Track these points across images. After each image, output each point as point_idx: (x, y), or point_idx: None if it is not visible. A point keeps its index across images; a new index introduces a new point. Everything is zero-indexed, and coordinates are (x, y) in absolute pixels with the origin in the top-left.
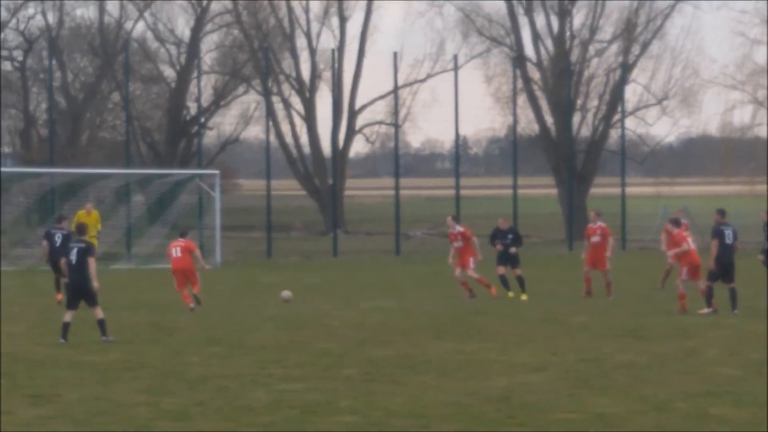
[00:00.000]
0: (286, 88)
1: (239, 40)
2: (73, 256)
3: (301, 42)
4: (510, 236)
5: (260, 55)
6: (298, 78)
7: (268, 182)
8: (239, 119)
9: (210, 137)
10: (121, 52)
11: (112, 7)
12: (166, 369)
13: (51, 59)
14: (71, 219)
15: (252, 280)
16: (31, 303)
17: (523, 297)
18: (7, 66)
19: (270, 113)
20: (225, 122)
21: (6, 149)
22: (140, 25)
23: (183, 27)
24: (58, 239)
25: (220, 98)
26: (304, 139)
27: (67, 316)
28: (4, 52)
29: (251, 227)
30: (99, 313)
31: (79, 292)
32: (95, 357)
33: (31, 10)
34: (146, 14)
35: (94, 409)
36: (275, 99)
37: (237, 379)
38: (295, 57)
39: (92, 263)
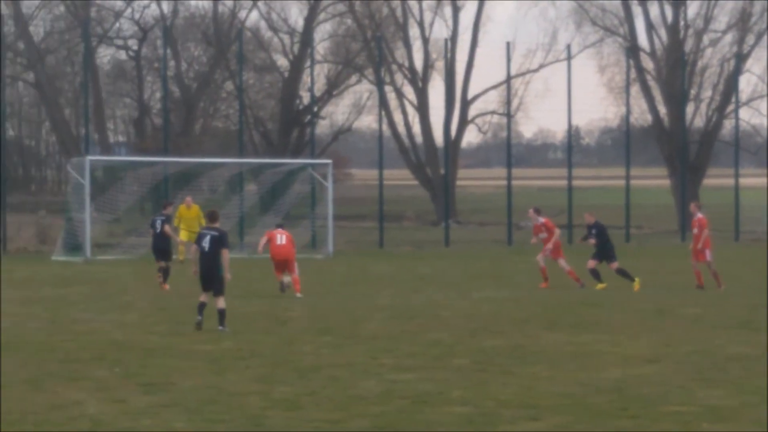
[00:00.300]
0: (399, 78)
1: (352, 29)
2: (206, 244)
3: (414, 31)
4: (594, 230)
5: (373, 45)
6: (411, 68)
7: (380, 172)
8: (352, 109)
9: (322, 127)
10: (234, 41)
11: None
12: (278, 358)
13: (165, 48)
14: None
15: (364, 269)
16: (144, 292)
17: (636, 286)
18: (122, 55)
19: (383, 103)
20: (338, 112)
21: (120, 138)
22: (254, 15)
23: (296, 16)
24: (158, 225)
25: (333, 88)
26: (416, 128)
27: (202, 297)
28: (119, 42)
29: (363, 217)
30: (221, 303)
31: (210, 279)
32: (208, 346)
33: (146, 0)
34: (260, 3)
35: (207, 397)
36: (388, 89)
37: (348, 368)
38: (408, 46)
39: (226, 254)
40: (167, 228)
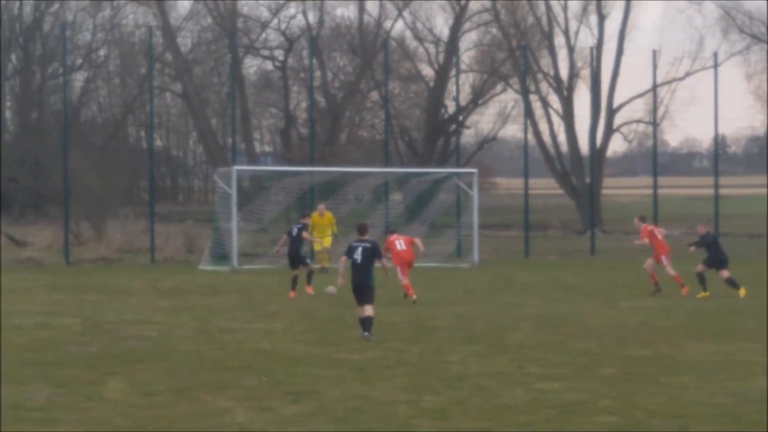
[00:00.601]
0: (544, 87)
1: (498, 38)
2: (358, 255)
3: (559, 40)
4: (701, 241)
5: (518, 54)
6: (556, 76)
7: (525, 181)
8: (497, 118)
9: (467, 136)
10: (380, 51)
11: (372, 7)
12: (424, 367)
13: (311, 58)
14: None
15: (509, 278)
16: (290, 300)
17: (741, 293)
18: (268, 65)
19: (528, 112)
20: (482, 121)
21: (266, 148)
22: (399, 24)
23: (442, 26)
24: (294, 232)
25: (478, 97)
26: (561, 137)
27: (359, 311)
28: (266, 52)
29: (508, 226)
30: (370, 311)
31: (361, 289)
32: (354, 355)
33: (292, 10)
34: (405, 13)
35: (354, 406)
36: (533, 97)
37: (495, 377)
38: (553, 55)
39: (383, 263)
40: (305, 234)
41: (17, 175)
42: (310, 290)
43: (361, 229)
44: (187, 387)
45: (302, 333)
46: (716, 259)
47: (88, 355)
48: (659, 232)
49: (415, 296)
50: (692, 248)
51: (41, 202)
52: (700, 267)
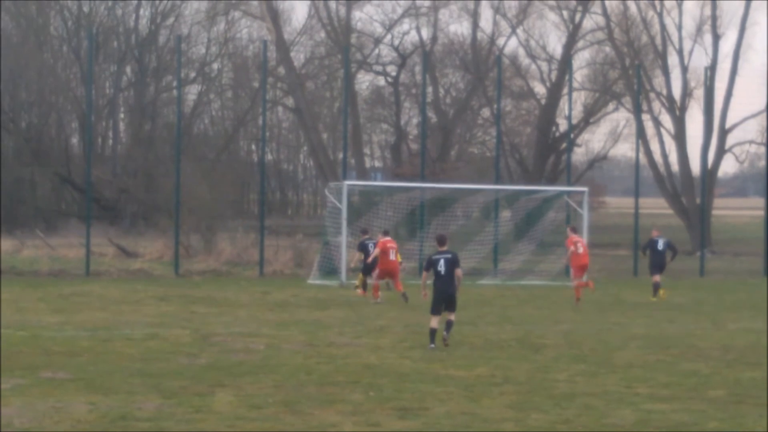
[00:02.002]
0: (656, 106)
1: (611, 57)
2: (441, 267)
3: (672, 59)
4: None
5: (632, 73)
6: (669, 96)
7: (636, 200)
8: (608, 136)
9: (578, 154)
10: (492, 68)
11: (485, 23)
12: (532, 385)
13: (424, 74)
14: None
15: (618, 297)
16: (398, 316)
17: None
18: (380, 81)
19: (640, 131)
20: (594, 139)
21: (376, 163)
22: (512, 42)
23: (555, 44)
24: (371, 248)
25: (590, 115)
26: (672, 157)
27: (434, 322)
28: (378, 68)
29: (617, 245)
30: (453, 316)
31: (445, 299)
32: (461, 372)
33: (406, 26)
34: (519, 30)
35: (461, 423)
36: (645, 117)
37: (603, 397)
38: (666, 74)
39: (459, 273)
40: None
41: (129, 186)
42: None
43: (441, 240)
44: (294, 400)
45: (410, 349)
46: (655, 263)
47: (196, 367)
48: (582, 245)
49: (379, 299)
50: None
51: (152, 214)
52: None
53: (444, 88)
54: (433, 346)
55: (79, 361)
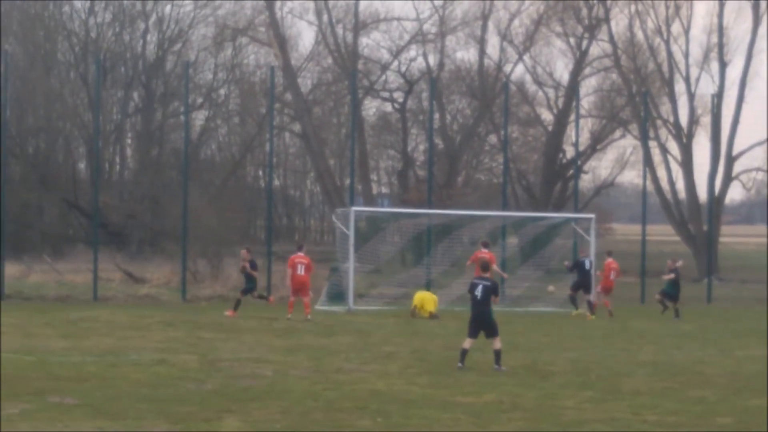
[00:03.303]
0: (663, 133)
1: (618, 84)
2: (479, 292)
3: (679, 87)
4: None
5: (638, 100)
6: (676, 123)
7: (643, 227)
8: (615, 163)
9: (585, 180)
10: (499, 94)
11: (492, 50)
12: (540, 412)
13: (431, 101)
14: None
15: (625, 324)
16: (406, 342)
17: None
18: (387, 107)
19: (647, 158)
20: (601, 166)
21: (383, 189)
22: (519, 68)
23: (562, 70)
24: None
25: (597, 142)
26: (679, 184)
27: (467, 344)
28: (385, 94)
29: (624, 272)
30: (498, 344)
31: (482, 324)
32: (469, 398)
33: (412, 53)
34: (525, 57)
35: None
36: (652, 143)
37: (611, 423)
38: (673, 102)
39: (496, 300)
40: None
41: (136, 212)
42: None
43: (485, 267)
44: (301, 426)
45: (417, 375)
46: (582, 283)
47: (204, 393)
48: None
49: (290, 316)
50: (566, 264)
51: (159, 239)
52: (570, 291)
53: (451, 115)
54: (461, 365)
55: (86, 386)
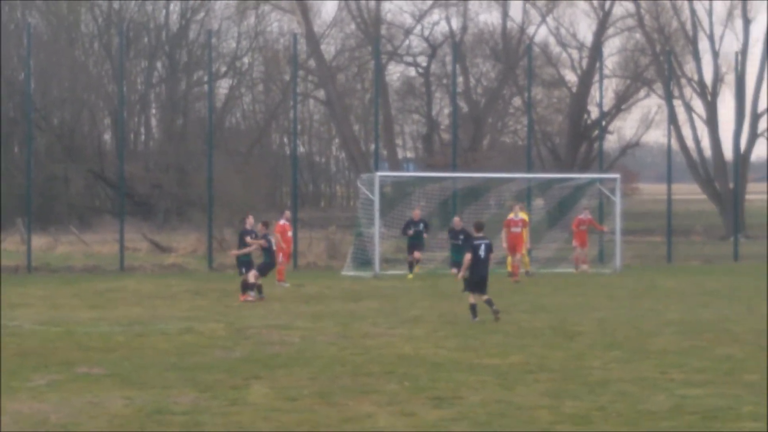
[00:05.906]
0: (688, 92)
1: (641, 43)
2: (482, 252)
3: (703, 45)
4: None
5: (662, 59)
6: (701, 81)
7: (668, 186)
8: (640, 123)
9: (610, 141)
10: (523, 56)
11: (515, 12)
12: (566, 373)
13: (455, 64)
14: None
15: (652, 284)
16: (432, 306)
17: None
18: (411, 72)
19: (672, 117)
20: (625, 126)
21: (408, 154)
22: (542, 30)
23: (585, 31)
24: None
25: (622, 102)
26: (705, 142)
27: (472, 299)
28: (409, 58)
29: (651, 231)
30: (486, 296)
31: (481, 281)
32: (495, 360)
33: (435, 17)
34: (549, 19)
35: (496, 411)
36: (676, 102)
37: (638, 383)
38: (697, 60)
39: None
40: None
41: (162, 182)
42: None
43: (479, 227)
44: (329, 392)
45: (444, 338)
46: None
47: (231, 360)
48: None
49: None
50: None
51: (185, 208)
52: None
53: (475, 78)
54: (476, 318)
55: (114, 356)
